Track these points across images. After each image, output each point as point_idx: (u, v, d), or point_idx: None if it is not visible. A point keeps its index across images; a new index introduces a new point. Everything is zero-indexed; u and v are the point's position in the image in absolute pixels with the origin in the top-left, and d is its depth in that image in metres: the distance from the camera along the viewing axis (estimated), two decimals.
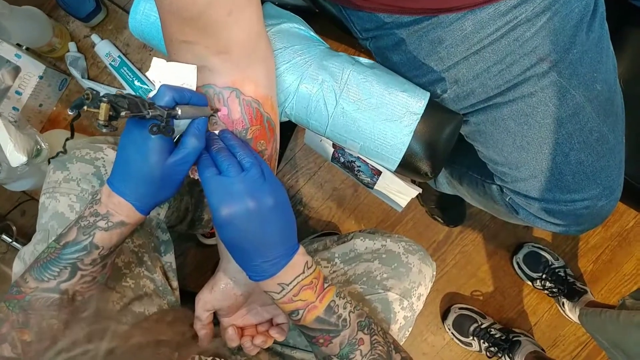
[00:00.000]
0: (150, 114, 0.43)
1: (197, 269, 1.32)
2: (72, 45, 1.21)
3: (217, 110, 0.53)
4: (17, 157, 0.90)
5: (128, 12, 1.25)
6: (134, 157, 0.49)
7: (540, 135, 0.64)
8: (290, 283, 0.51)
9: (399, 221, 1.35)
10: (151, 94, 0.47)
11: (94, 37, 1.21)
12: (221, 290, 0.62)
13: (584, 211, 0.68)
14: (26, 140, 0.93)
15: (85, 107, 0.39)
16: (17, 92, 1.12)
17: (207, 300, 0.62)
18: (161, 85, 0.47)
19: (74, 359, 0.34)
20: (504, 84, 0.62)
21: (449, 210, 1.30)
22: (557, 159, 0.65)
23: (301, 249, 0.53)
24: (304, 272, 0.52)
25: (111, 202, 0.51)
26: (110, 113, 0.38)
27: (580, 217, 0.68)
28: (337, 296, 0.54)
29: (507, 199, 0.74)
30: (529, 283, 1.31)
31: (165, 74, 0.48)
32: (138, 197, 0.51)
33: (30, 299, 0.51)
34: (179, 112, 0.45)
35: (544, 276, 1.27)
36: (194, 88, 0.50)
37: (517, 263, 1.31)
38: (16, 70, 1.11)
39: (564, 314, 1.31)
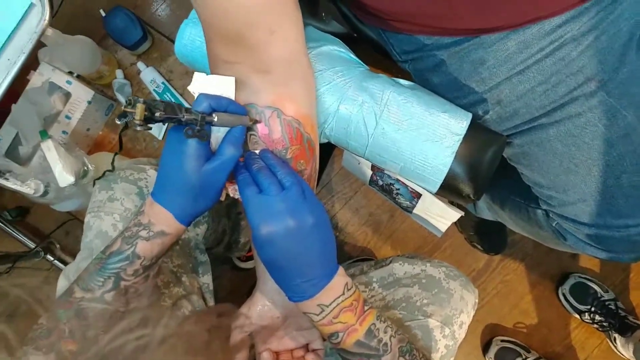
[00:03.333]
0: (185, 117, 0.44)
1: (232, 292, 1.32)
2: (119, 73, 1.27)
3: (256, 122, 0.53)
4: (65, 178, 0.94)
5: (172, 41, 1.31)
6: (172, 165, 0.50)
7: (589, 157, 0.61)
8: (330, 304, 0.50)
9: (437, 248, 1.31)
10: None
11: (140, 65, 1.26)
12: (258, 312, 0.61)
13: (638, 238, 0.64)
14: (74, 162, 0.97)
15: (123, 108, 0.41)
16: (67, 117, 1.17)
17: (244, 322, 0.61)
18: (200, 94, 0.48)
19: (129, 343, 0.34)
20: (550, 104, 0.61)
21: (489, 237, 1.26)
22: (609, 182, 0.62)
23: (341, 270, 0.52)
24: (344, 294, 0.50)
25: (153, 211, 0.52)
26: (146, 113, 0.41)
27: (635, 244, 0.65)
28: (377, 319, 0.52)
29: (553, 224, 0.71)
30: (577, 316, 1.24)
31: (205, 87, 0.49)
32: (177, 206, 0.51)
33: (76, 309, 0.52)
34: (215, 118, 0.47)
35: (592, 309, 1.20)
36: (232, 98, 0.51)
37: (563, 294, 1.24)
38: (67, 96, 1.17)
39: (615, 350, 1.23)
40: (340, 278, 0.51)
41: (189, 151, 0.48)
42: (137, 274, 0.53)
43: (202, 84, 0.49)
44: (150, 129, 0.42)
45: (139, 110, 0.40)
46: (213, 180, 0.50)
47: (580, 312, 1.22)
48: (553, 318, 1.28)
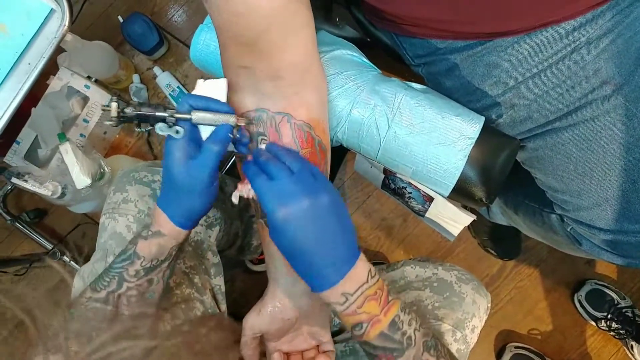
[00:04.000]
0: (157, 114, 0.47)
1: (244, 295, 1.33)
2: (135, 77, 1.29)
3: (249, 122, 0.53)
4: (82, 180, 0.95)
5: (188, 46, 1.32)
6: (165, 167, 0.51)
7: (604, 161, 0.61)
8: (355, 292, 0.48)
9: (450, 252, 1.30)
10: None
11: (156, 69, 1.28)
12: (269, 313, 0.61)
13: None
14: (91, 164, 0.99)
15: (102, 108, 0.47)
16: (85, 120, 1.20)
17: (255, 323, 0.61)
18: (184, 95, 0.49)
19: (112, 355, 0.34)
20: (564, 107, 0.60)
21: (503, 242, 1.25)
22: (625, 187, 0.61)
23: (362, 256, 0.50)
24: (367, 282, 0.49)
25: (154, 213, 0.54)
26: (118, 110, 0.46)
27: None
28: (402, 311, 0.50)
29: (568, 229, 0.70)
30: (593, 323, 1.22)
31: (202, 90, 0.51)
32: (167, 205, 0.53)
33: (82, 309, 0.53)
34: (193, 117, 0.48)
35: (609, 316, 1.18)
36: (222, 99, 0.51)
37: (579, 301, 1.23)
38: (85, 100, 1.19)
39: (632, 358, 1.21)
40: (363, 264, 0.49)
41: (172, 150, 0.49)
42: (138, 275, 0.54)
43: (200, 88, 0.51)
44: (120, 124, 0.47)
45: (113, 108, 0.46)
46: (197, 177, 0.50)
47: (596, 319, 1.20)
48: (568, 325, 1.26)
